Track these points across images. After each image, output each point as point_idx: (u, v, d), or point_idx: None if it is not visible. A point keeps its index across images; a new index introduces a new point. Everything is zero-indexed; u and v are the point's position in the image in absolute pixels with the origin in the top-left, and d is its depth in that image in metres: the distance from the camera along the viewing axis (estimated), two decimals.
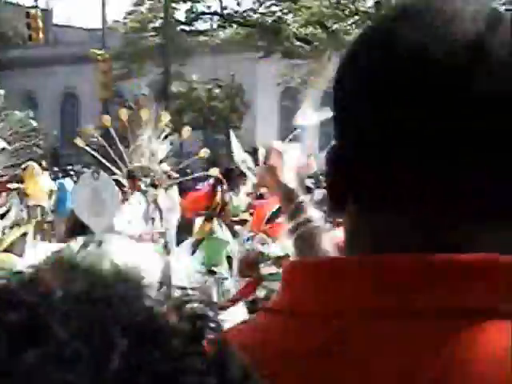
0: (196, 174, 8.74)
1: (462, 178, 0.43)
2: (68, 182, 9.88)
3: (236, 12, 17.22)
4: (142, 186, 5.32)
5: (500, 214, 0.44)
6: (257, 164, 1.53)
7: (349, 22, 14.93)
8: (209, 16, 17.76)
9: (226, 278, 4.87)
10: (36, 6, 19.38)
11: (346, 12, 14.97)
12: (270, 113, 20.85)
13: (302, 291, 0.46)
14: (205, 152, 6.04)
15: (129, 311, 0.29)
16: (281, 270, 0.50)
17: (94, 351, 0.27)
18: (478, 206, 0.44)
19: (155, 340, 0.28)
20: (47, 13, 27.09)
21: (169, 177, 6.13)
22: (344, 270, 0.46)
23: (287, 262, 0.51)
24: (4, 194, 6.22)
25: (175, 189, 7.60)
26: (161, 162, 5.63)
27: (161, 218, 5.52)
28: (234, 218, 5.55)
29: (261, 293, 3.48)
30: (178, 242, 6.15)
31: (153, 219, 5.33)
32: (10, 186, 7.12)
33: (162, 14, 17.71)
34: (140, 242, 4.87)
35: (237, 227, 5.53)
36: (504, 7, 10.91)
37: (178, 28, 17.91)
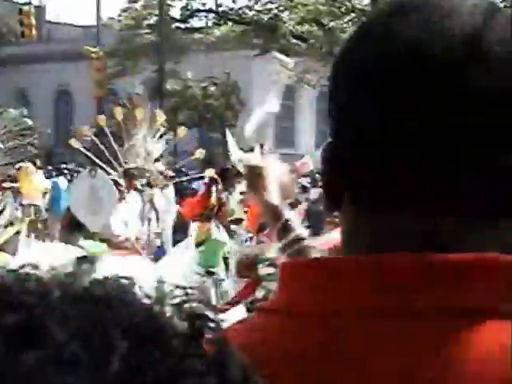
0: (191, 176, 8.70)
1: (462, 177, 0.43)
2: (62, 181, 9.86)
3: (231, 9, 17.18)
4: (138, 186, 5.28)
5: (500, 213, 0.44)
6: None
7: (345, 20, 14.92)
8: (204, 13, 17.73)
9: (223, 280, 4.83)
10: (29, 3, 19.30)
11: (343, 9, 14.95)
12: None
13: (300, 291, 0.46)
14: (200, 153, 6.01)
15: (128, 312, 0.28)
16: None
17: (93, 353, 0.27)
18: (478, 205, 0.44)
19: (155, 341, 0.28)
20: (40, 9, 26.99)
21: (164, 176, 6.15)
22: (342, 270, 0.45)
23: (284, 261, 0.50)
24: None
25: (171, 188, 7.58)
26: (156, 160, 5.62)
27: (157, 218, 5.50)
28: (229, 218, 5.51)
29: (259, 293, 3.47)
30: (175, 243, 6.11)
31: (149, 219, 5.30)
32: (4, 185, 7.06)
33: (156, 12, 17.67)
34: (135, 244, 4.83)
35: (233, 227, 5.49)
36: (503, 3, 10.90)
37: (173, 25, 17.89)
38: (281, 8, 16.20)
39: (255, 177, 1.40)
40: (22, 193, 7.21)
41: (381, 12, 0.48)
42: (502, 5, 7.28)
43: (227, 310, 3.57)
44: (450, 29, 0.44)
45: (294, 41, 15.51)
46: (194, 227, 5.43)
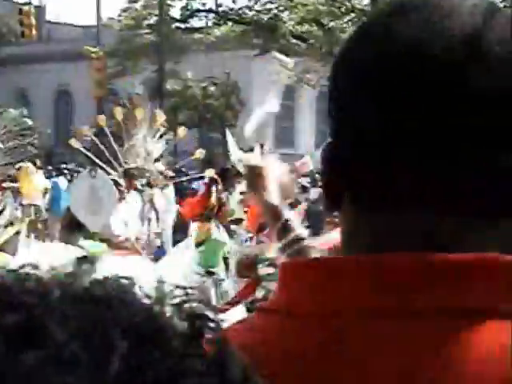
0: (191, 176, 8.69)
1: (462, 177, 0.43)
2: (62, 181, 9.86)
3: (231, 9, 17.16)
4: (138, 186, 5.28)
5: (500, 213, 0.44)
6: None
7: (345, 20, 14.90)
8: (204, 13, 17.70)
9: (223, 280, 4.83)
10: (29, 3, 19.27)
11: (343, 9, 14.94)
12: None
13: (299, 291, 0.46)
14: (200, 153, 6.01)
15: (128, 312, 0.28)
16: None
17: (93, 353, 0.27)
18: (478, 205, 0.44)
19: (155, 341, 0.28)
20: (40, 9, 26.97)
21: (164, 176, 6.15)
22: (342, 270, 0.45)
23: (284, 261, 0.50)
24: None
25: (171, 188, 7.58)
26: (156, 160, 5.62)
27: (157, 218, 5.50)
28: (229, 218, 5.52)
29: (259, 293, 3.47)
30: (175, 243, 6.11)
31: (149, 219, 5.30)
32: (4, 185, 7.06)
33: (156, 12, 17.66)
34: (136, 244, 4.83)
35: (233, 226, 5.49)
36: (503, 3, 10.89)
37: (173, 25, 17.87)
38: (281, 8, 16.17)
39: (255, 177, 1.39)
40: (22, 193, 7.21)
41: (381, 12, 0.48)
42: (501, 5, 7.28)
43: (227, 309, 3.56)
44: (450, 29, 0.44)
45: (294, 41, 15.49)
46: (193, 227, 5.42)
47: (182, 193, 8.74)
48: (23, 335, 0.27)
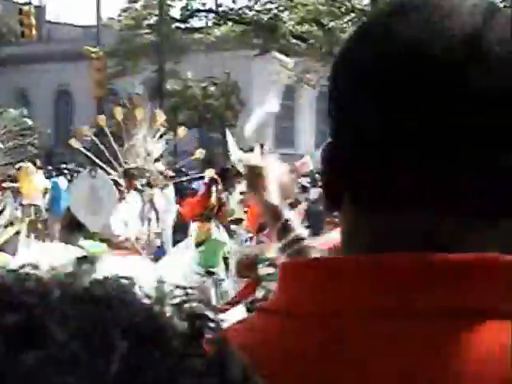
0: (191, 176, 8.67)
1: (462, 177, 0.43)
2: (62, 181, 9.85)
3: (231, 9, 17.15)
4: (138, 186, 5.28)
5: (500, 213, 0.44)
6: None
7: (345, 20, 14.88)
8: (204, 13, 17.69)
9: (223, 280, 4.83)
10: (29, 3, 19.26)
11: (343, 9, 14.92)
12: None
13: (299, 291, 0.46)
14: (200, 153, 6.01)
15: (128, 312, 0.28)
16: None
17: (93, 353, 0.27)
18: (478, 205, 0.44)
19: (155, 341, 0.28)
20: (40, 9, 26.95)
21: (164, 176, 6.15)
22: (342, 270, 0.45)
23: (284, 261, 0.50)
24: None
25: (171, 188, 7.58)
26: (156, 160, 5.62)
27: (157, 218, 5.50)
28: (229, 218, 5.51)
29: (259, 293, 3.48)
30: (175, 243, 6.11)
31: (149, 219, 5.30)
32: (4, 185, 7.05)
33: (156, 12, 17.64)
34: (135, 244, 4.82)
35: (233, 226, 5.49)
36: (503, 3, 10.88)
37: (173, 25, 17.84)
38: (281, 8, 16.16)
39: (255, 177, 1.38)
40: (22, 193, 7.21)
41: (381, 12, 0.48)
42: (502, 5, 7.27)
43: (227, 309, 3.56)
44: (450, 29, 0.44)
45: (294, 41, 15.46)
46: (194, 227, 5.42)
47: (182, 193, 8.72)
48: (23, 335, 0.27)
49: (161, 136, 5.60)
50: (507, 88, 0.43)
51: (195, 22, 17.96)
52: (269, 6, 16.45)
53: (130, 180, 5.25)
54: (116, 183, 4.96)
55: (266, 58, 16.45)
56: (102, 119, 5.72)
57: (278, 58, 14.70)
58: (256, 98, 18.99)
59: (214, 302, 4.33)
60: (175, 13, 18.30)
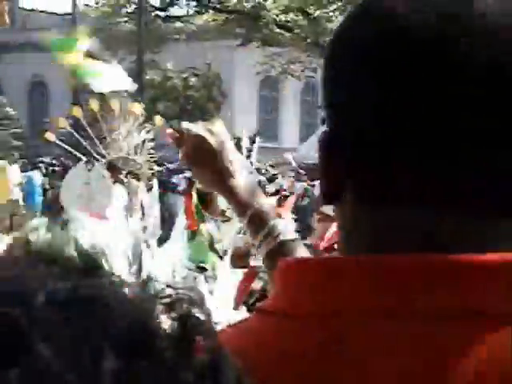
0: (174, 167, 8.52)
1: (462, 177, 0.43)
2: (36, 175, 9.61)
3: None
4: (123, 177, 5.17)
5: (500, 213, 0.44)
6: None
7: (331, 9, 14.57)
8: (185, 1, 17.33)
9: (215, 276, 4.58)
10: None
11: None
12: (248, 102, 20.52)
13: (299, 291, 0.46)
14: None
15: (117, 318, 0.27)
16: None
17: (81, 371, 0.25)
18: (478, 205, 0.44)
19: (146, 351, 0.27)
20: None
21: (150, 169, 6.03)
22: (342, 270, 0.45)
23: (283, 262, 0.49)
24: None
25: (155, 182, 7.38)
26: (136, 153, 5.56)
27: (142, 213, 5.37)
28: (220, 218, 5.28)
29: (257, 285, 3.44)
30: (161, 239, 5.90)
31: (135, 213, 5.14)
32: None
33: None
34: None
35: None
36: None
37: (153, 14, 17.45)
38: None
39: (198, 151, 0.99)
40: None
41: None
42: None
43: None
44: (450, 4, 0.43)
45: (278, 30, 15.14)
46: (183, 222, 5.18)
47: (164, 186, 8.76)
48: (6, 352, 0.25)
49: (141, 127, 5.56)
50: (508, 62, 0.42)
51: (176, 11, 17.62)
52: None
53: (115, 171, 5.12)
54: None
55: (249, 48, 16.12)
56: (77, 110, 5.64)
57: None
58: (238, 89, 18.68)
59: (206, 301, 4.16)
60: (155, 1, 17.91)
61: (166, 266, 4.05)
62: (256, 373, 0.30)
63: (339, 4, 14.35)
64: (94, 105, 5.39)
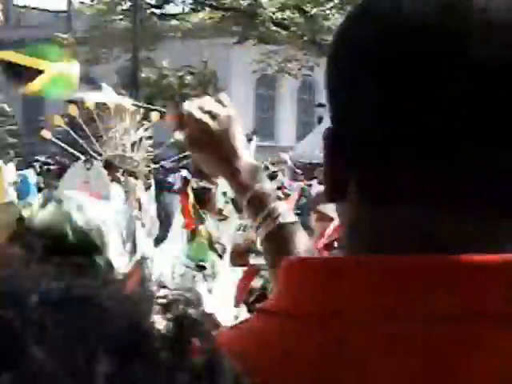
0: (170, 164, 8.50)
1: (462, 177, 0.43)
2: (31, 174, 9.59)
3: None
4: (120, 176, 5.16)
5: (500, 213, 0.44)
6: None
7: (328, 6, 14.51)
8: None
9: (214, 275, 4.55)
10: None
11: None
12: (245, 101, 20.48)
13: (299, 291, 0.46)
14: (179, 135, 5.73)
15: (111, 320, 0.26)
16: None
17: (74, 374, 0.25)
18: (478, 205, 0.44)
19: (141, 351, 0.27)
20: None
21: (147, 166, 5.99)
22: (342, 270, 0.45)
23: (283, 262, 0.49)
24: None
25: (152, 182, 7.35)
26: (133, 151, 5.56)
27: (139, 210, 5.35)
28: (218, 217, 5.25)
29: (257, 283, 3.43)
30: (158, 239, 5.84)
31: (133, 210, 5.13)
32: None
33: None
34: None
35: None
36: None
37: (148, 11, 17.36)
38: None
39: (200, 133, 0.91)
40: None
41: None
42: None
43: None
44: (450, 3, 0.43)
45: (275, 28, 15.07)
46: (180, 221, 5.13)
47: (161, 185, 8.73)
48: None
49: (138, 126, 5.55)
50: (508, 58, 0.42)
51: (171, 8, 17.53)
52: None
53: (112, 169, 5.06)
54: None
55: (246, 46, 16.07)
56: (73, 108, 5.58)
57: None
58: (235, 87, 18.62)
59: (203, 300, 4.15)
60: None
61: (165, 265, 4.02)
62: (259, 374, 0.29)
63: (336, 2, 14.29)
64: (90, 103, 5.36)
